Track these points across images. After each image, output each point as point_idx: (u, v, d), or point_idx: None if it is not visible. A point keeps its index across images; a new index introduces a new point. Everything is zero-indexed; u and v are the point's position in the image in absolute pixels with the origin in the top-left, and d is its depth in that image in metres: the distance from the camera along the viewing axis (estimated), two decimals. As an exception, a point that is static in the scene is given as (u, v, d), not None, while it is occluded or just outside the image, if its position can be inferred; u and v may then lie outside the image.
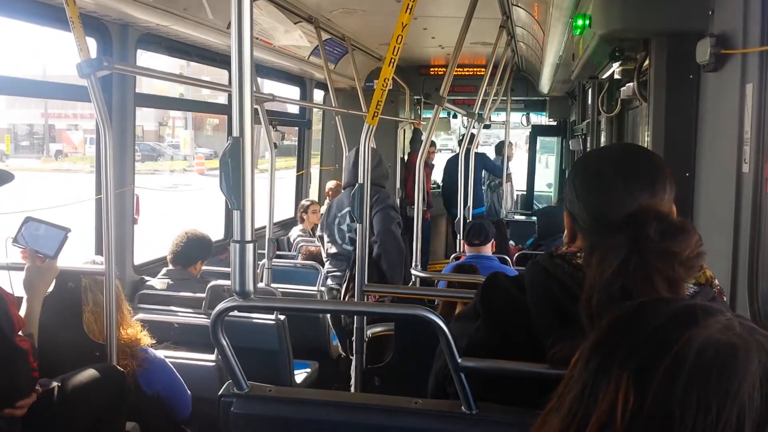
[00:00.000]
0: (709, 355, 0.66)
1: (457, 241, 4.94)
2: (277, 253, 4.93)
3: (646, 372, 0.67)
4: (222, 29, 3.81)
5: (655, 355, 0.68)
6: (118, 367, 2.41)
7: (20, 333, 2.09)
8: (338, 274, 4.41)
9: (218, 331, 1.47)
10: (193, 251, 3.64)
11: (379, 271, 4.04)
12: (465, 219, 5.08)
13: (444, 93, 3.40)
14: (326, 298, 4.22)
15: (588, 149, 6.05)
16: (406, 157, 8.13)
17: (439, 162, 9.13)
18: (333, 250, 4.49)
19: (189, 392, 2.66)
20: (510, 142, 8.43)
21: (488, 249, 4.46)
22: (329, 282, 4.42)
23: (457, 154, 5.68)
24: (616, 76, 3.69)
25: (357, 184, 2.47)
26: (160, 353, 2.64)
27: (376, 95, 2.32)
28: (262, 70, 5.45)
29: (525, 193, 9.34)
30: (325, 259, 4.59)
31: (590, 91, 5.72)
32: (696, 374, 0.65)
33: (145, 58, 4.17)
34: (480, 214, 7.47)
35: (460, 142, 7.21)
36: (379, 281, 3.90)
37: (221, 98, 8.48)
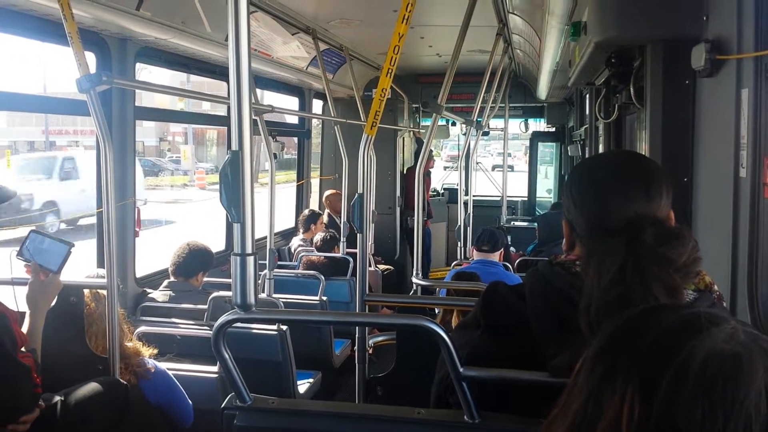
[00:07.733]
0: (714, 365, 0.65)
1: (458, 248, 4.95)
2: (278, 263, 4.94)
3: (650, 383, 0.67)
4: (221, 42, 3.83)
5: (659, 366, 0.67)
6: (122, 381, 2.41)
7: (23, 349, 2.10)
8: None
9: (220, 345, 1.47)
10: (195, 263, 3.64)
11: None
12: (466, 226, 5.08)
13: (442, 101, 3.41)
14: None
15: (586, 155, 6.06)
16: (405, 170, 8.12)
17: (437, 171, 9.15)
18: None
19: (190, 402, 2.66)
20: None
21: (496, 257, 4.40)
22: None
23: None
24: (613, 82, 3.71)
25: (357, 194, 2.47)
26: (162, 365, 2.64)
27: (374, 105, 2.31)
28: (260, 81, 5.47)
29: (527, 199, 9.34)
30: None
31: (587, 97, 5.73)
32: (701, 385, 0.65)
33: (145, 71, 4.19)
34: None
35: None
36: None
37: (221, 110, 8.50)
